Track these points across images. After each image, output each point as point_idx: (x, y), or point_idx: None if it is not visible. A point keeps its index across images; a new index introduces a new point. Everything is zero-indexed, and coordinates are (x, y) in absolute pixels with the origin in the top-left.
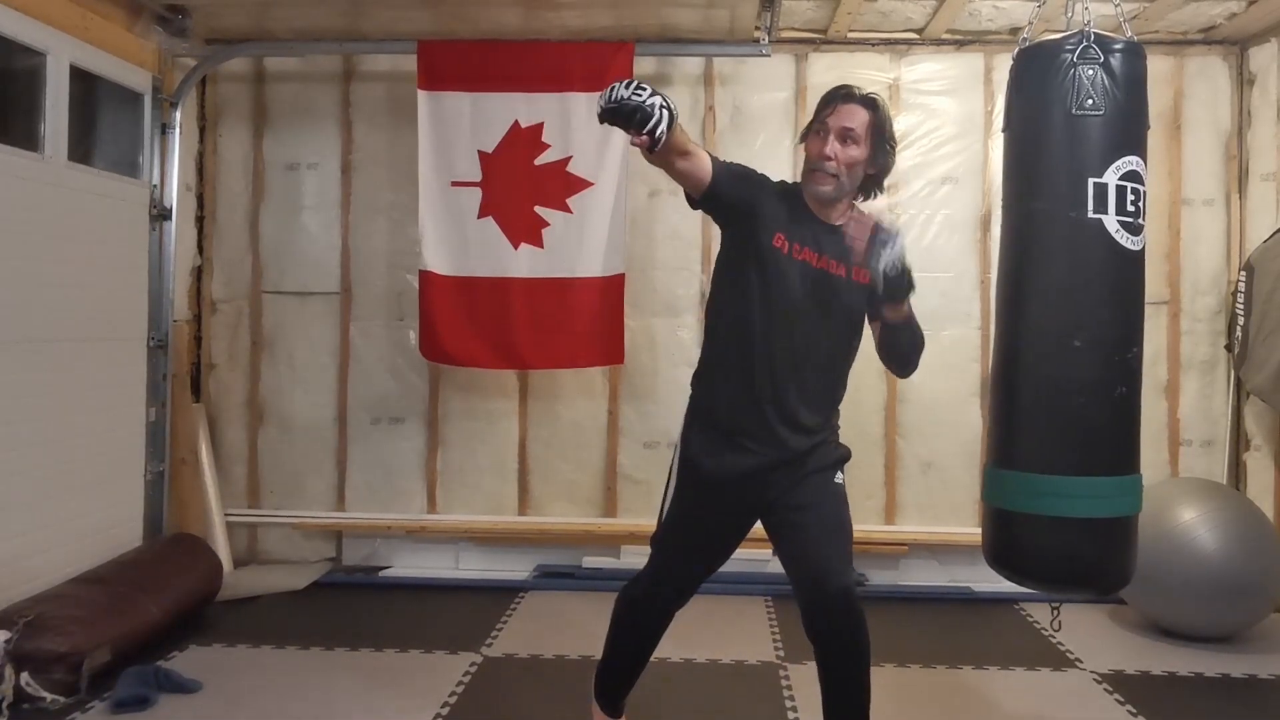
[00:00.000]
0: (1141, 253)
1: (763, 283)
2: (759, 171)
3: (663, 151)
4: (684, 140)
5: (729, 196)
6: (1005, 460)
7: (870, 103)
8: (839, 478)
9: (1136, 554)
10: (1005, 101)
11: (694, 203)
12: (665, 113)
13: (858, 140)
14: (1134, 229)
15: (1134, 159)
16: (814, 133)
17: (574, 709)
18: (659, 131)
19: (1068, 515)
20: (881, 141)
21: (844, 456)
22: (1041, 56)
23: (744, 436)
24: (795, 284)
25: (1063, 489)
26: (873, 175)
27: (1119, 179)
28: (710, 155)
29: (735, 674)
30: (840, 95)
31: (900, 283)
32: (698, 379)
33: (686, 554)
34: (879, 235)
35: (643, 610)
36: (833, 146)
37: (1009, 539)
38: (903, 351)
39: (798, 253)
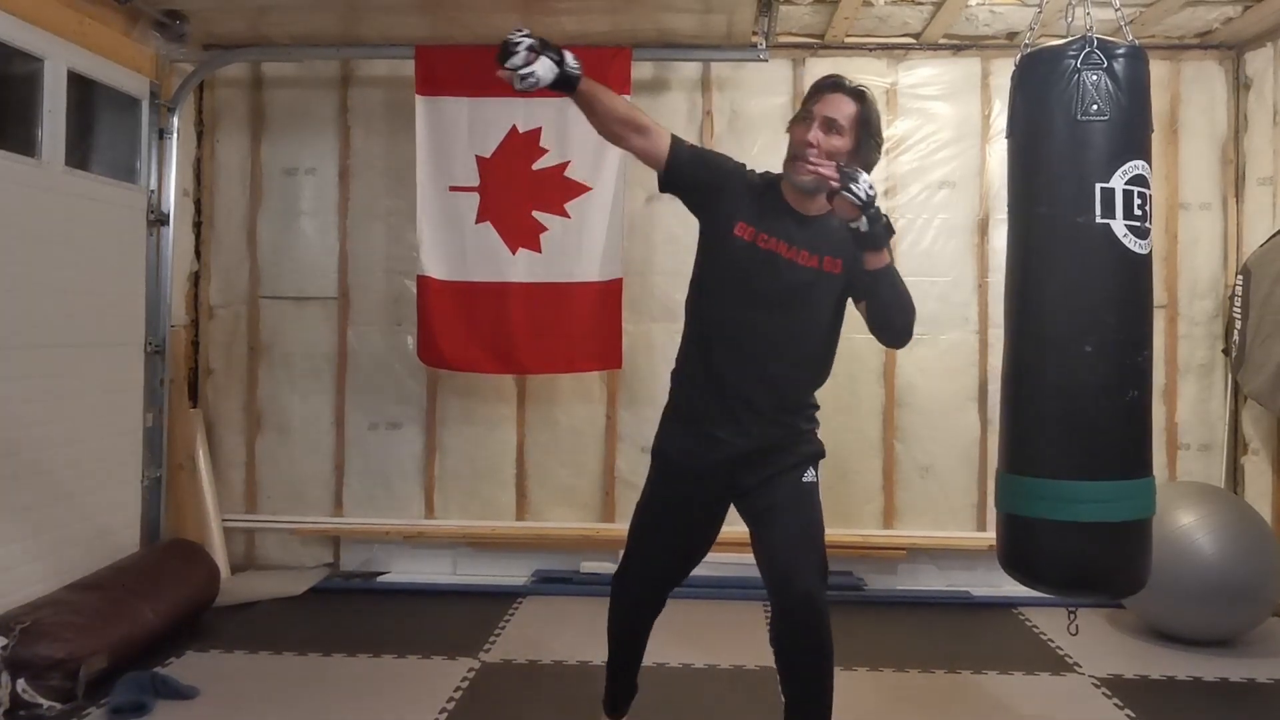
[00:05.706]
0: (1149, 256)
1: (727, 273)
2: (736, 161)
3: (587, 108)
4: (617, 106)
5: (689, 179)
6: (1018, 466)
7: (858, 94)
8: (809, 475)
9: (1151, 556)
10: (1009, 107)
11: (661, 184)
12: (540, 58)
13: (842, 131)
14: (1141, 233)
15: (1139, 163)
16: (800, 120)
17: (572, 714)
18: (515, 65)
19: (1082, 520)
20: (867, 136)
21: (818, 453)
22: (1045, 62)
23: (713, 427)
24: (762, 274)
25: (1076, 494)
26: None
27: (1125, 183)
28: (675, 137)
29: (733, 679)
30: (829, 85)
31: (874, 217)
32: (674, 371)
33: (659, 541)
34: (845, 171)
35: (625, 601)
36: (815, 134)
37: (1023, 544)
38: (883, 304)
39: (764, 242)
